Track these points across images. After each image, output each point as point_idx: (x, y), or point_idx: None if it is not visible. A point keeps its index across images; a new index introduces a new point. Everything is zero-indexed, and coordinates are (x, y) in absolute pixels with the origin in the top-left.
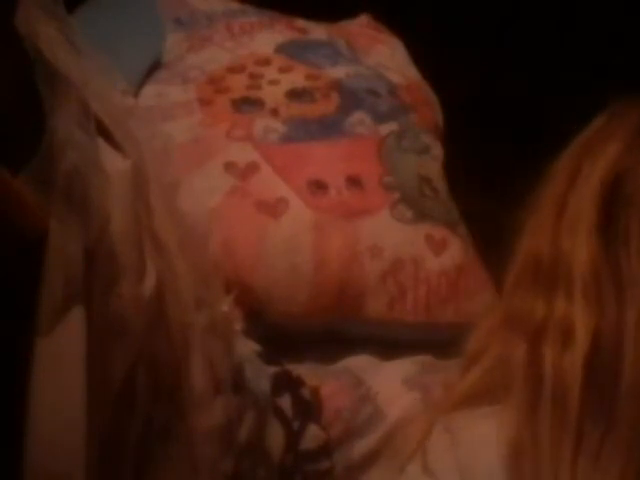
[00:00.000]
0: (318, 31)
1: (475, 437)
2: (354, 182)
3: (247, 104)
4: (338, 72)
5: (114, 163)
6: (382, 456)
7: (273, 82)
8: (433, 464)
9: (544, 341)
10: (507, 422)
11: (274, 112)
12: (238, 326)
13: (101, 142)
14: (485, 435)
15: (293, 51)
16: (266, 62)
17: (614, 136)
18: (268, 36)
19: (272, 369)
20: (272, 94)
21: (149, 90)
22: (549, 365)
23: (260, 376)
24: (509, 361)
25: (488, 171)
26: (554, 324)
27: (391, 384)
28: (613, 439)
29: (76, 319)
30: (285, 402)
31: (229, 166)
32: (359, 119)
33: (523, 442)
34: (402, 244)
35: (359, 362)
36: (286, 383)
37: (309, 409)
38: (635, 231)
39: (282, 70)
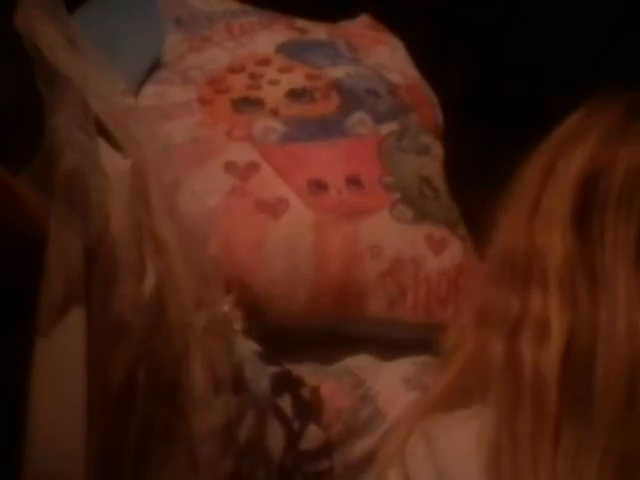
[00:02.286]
0: (318, 31)
1: (454, 442)
2: (354, 182)
3: (247, 104)
4: (338, 72)
5: (114, 163)
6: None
7: (273, 82)
8: (413, 473)
9: (521, 338)
10: (486, 423)
11: (274, 112)
12: (238, 326)
13: (101, 142)
14: (464, 439)
15: (293, 51)
16: (266, 62)
17: (589, 133)
18: (268, 36)
19: (272, 369)
20: (272, 94)
21: (149, 90)
22: (528, 362)
23: (260, 376)
24: (486, 358)
25: (488, 171)
26: (530, 321)
27: (391, 384)
28: (590, 438)
29: (76, 319)
30: (285, 402)
31: (229, 166)
32: (359, 119)
33: (501, 442)
34: (402, 244)
35: (359, 362)
36: (286, 383)
37: (309, 409)
38: (610, 229)
39: (282, 70)
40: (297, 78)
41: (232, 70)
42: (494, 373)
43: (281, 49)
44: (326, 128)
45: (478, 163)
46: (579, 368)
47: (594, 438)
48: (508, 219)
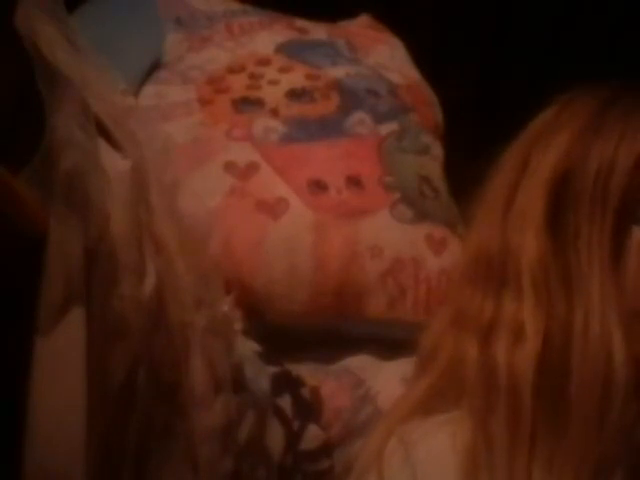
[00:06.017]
0: (318, 31)
1: (432, 449)
2: (354, 182)
3: (247, 104)
4: (338, 72)
5: (114, 163)
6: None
7: (273, 82)
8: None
9: (495, 341)
10: (463, 428)
11: (274, 112)
12: (238, 326)
13: (101, 142)
14: (441, 446)
15: (293, 51)
16: (266, 62)
17: (564, 128)
18: (268, 36)
19: (272, 369)
20: (272, 94)
21: (149, 90)
22: (502, 366)
23: (260, 376)
24: (462, 362)
25: (488, 171)
26: (504, 324)
27: (391, 384)
28: (566, 442)
29: (76, 319)
30: (285, 402)
31: (229, 166)
32: (359, 119)
33: (477, 447)
34: (402, 244)
35: (359, 362)
36: (286, 383)
37: (309, 409)
38: (584, 229)
39: (282, 70)
40: (297, 78)
41: (232, 70)
42: (469, 377)
43: (281, 49)
44: (326, 128)
45: (478, 163)
46: (554, 371)
47: (570, 442)
48: (482, 215)
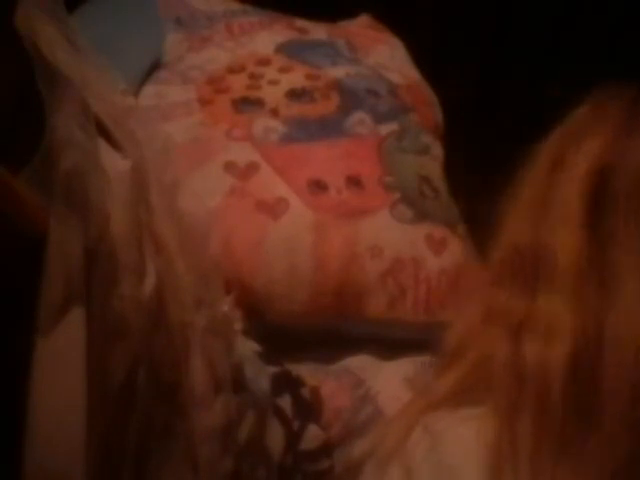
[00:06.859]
0: (318, 31)
1: (456, 442)
2: (354, 182)
3: (247, 104)
4: (338, 72)
5: (114, 163)
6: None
7: (273, 82)
8: (416, 467)
9: (526, 339)
10: (487, 425)
11: (274, 112)
12: (238, 326)
13: (101, 142)
14: (466, 440)
15: (293, 51)
16: (266, 62)
17: (598, 128)
18: (268, 36)
19: (272, 369)
20: (272, 94)
21: (149, 90)
22: (532, 365)
23: (260, 376)
24: (491, 359)
25: (488, 171)
26: (536, 322)
27: (391, 384)
28: (594, 444)
29: (76, 319)
30: (285, 402)
31: (229, 166)
32: (359, 119)
33: (502, 447)
34: (402, 244)
35: (359, 362)
36: (286, 383)
37: (309, 409)
38: (621, 230)
39: (282, 70)
40: (297, 78)
41: (232, 70)
42: (498, 375)
43: (281, 49)
44: (326, 128)
45: (478, 163)
46: (585, 371)
47: (599, 443)
48: (515, 215)
